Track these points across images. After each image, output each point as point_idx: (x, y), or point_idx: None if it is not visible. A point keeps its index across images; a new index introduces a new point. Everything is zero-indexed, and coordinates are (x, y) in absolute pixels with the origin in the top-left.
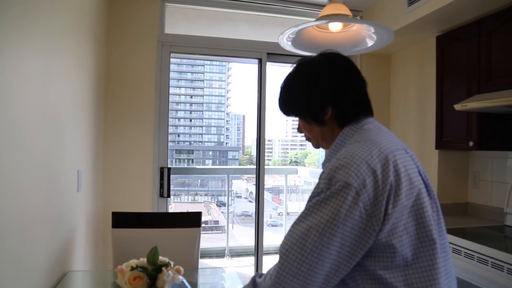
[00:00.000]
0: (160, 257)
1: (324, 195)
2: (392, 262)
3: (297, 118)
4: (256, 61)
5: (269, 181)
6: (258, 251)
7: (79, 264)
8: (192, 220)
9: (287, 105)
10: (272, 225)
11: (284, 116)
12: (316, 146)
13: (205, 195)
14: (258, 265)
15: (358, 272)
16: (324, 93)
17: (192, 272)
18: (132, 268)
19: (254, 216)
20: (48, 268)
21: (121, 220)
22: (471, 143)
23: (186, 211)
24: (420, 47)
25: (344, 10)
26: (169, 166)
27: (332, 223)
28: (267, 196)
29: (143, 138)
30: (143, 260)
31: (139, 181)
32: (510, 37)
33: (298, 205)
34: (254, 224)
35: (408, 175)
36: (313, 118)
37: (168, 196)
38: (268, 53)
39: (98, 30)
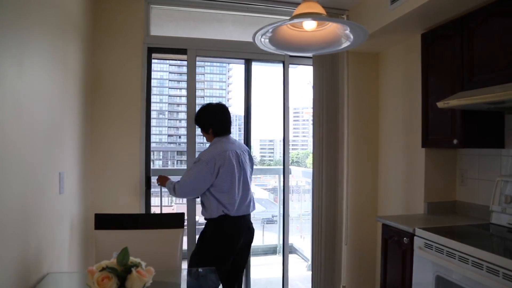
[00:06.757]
0: (132, 258)
1: (197, 163)
2: (222, 191)
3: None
4: (243, 61)
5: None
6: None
7: (63, 266)
8: (175, 221)
9: (196, 122)
10: (268, 222)
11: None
12: (207, 141)
13: None
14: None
15: (207, 196)
16: (206, 123)
17: (174, 272)
18: (103, 269)
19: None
20: (23, 269)
21: (104, 221)
22: (455, 141)
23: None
24: (406, 45)
25: (317, 8)
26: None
27: (200, 173)
28: (268, 196)
29: (129, 140)
30: (114, 261)
31: (127, 183)
32: (491, 34)
33: (299, 205)
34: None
35: (230, 158)
36: (205, 130)
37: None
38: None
39: (82, 31)
